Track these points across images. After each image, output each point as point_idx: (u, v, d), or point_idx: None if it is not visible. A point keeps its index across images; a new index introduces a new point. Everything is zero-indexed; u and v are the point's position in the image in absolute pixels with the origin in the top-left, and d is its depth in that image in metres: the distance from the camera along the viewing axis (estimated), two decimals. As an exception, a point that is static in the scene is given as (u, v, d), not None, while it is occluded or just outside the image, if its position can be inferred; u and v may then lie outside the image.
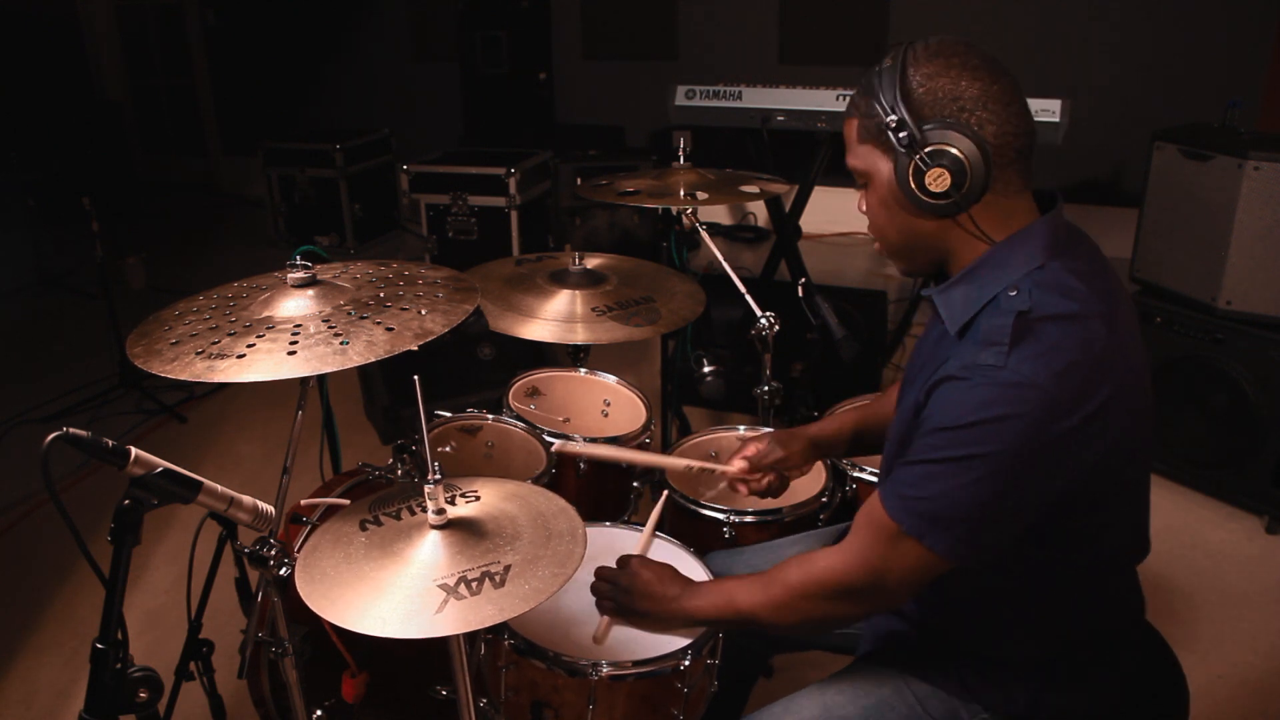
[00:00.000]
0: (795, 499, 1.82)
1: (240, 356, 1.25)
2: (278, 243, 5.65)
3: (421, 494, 1.20)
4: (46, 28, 6.49)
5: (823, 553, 1.26)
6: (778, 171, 2.67)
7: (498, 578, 1.12)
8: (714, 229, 5.65)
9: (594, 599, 1.45)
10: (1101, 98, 4.81)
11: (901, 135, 1.14)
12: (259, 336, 1.30)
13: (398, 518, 1.25)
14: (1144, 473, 1.23)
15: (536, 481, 1.80)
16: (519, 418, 2.02)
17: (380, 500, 1.29)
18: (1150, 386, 1.19)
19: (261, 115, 6.61)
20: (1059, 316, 1.09)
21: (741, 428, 2.08)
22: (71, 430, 1.05)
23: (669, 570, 1.43)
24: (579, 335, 1.98)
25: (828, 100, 3.28)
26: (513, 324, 2.01)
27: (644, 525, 1.67)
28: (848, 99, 1.25)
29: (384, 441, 3.26)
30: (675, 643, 1.40)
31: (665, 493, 1.78)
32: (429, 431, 1.80)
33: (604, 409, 2.22)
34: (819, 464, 1.93)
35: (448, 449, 2.00)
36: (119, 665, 1.09)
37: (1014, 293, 1.12)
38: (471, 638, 1.41)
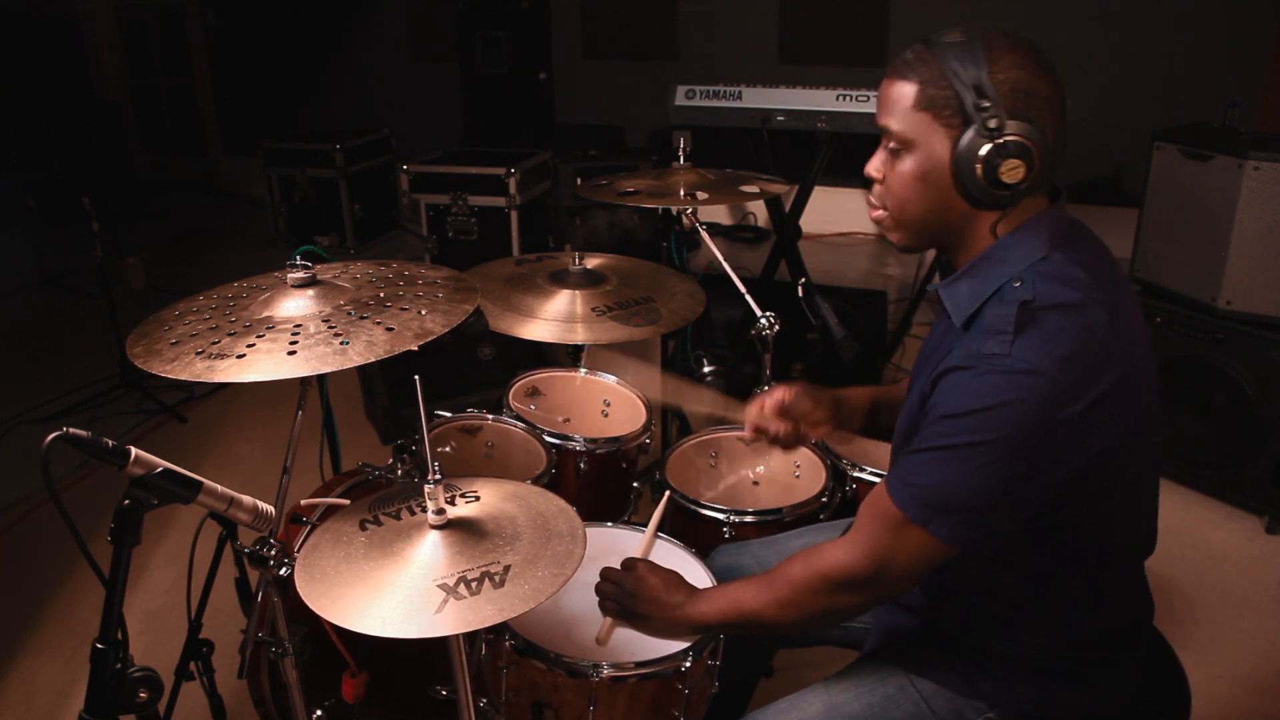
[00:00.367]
0: (795, 499, 1.82)
1: (240, 356, 1.25)
2: (278, 243, 5.65)
3: (421, 494, 1.20)
4: (46, 28, 6.49)
5: (826, 546, 1.26)
6: (778, 171, 2.67)
7: (497, 578, 1.12)
8: (714, 229, 5.65)
9: (596, 600, 1.45)
10: (1101, 98, 4.81)
11: (988, 119, 1.11)
12: (259, 336, 1.30)
13: (397, 518, 1.25)
14: (1152, 464, 1.24)
15: (536, 482, 1.80)
16: (519, 418, 2.02)
17: (380, 500, 1.29)
18: (1156, 379, 1.20)
19: (261, 115, 6.60)
20: (1062, 305, 1.10)
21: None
22: (71, 430, 1.05)
23: (675, 576, 1.43)
24: (579, 335, 1.98)
25: (828, 100, 3.28)
26: (513, 324, 2.01)
27: (645, 526, 1.67)
28: (893, 64, 1.18)
29: (384, 441, 3.26)
30: (677, 644, 1.40)
31: (666, 493, 1.78)
32: (429, 431, 1.80)
33: (604, 409, 2.22)
34: (819, 464, 1.94)
35: (448, 449, 2.00)
36: (119, 665, 1.09)
37: (1018, 283, 1.13)
38: (472, 638, 1.41)
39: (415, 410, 1.27)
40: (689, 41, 5.75)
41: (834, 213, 5.15)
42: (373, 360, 1.25)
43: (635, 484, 2.02)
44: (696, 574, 1.54)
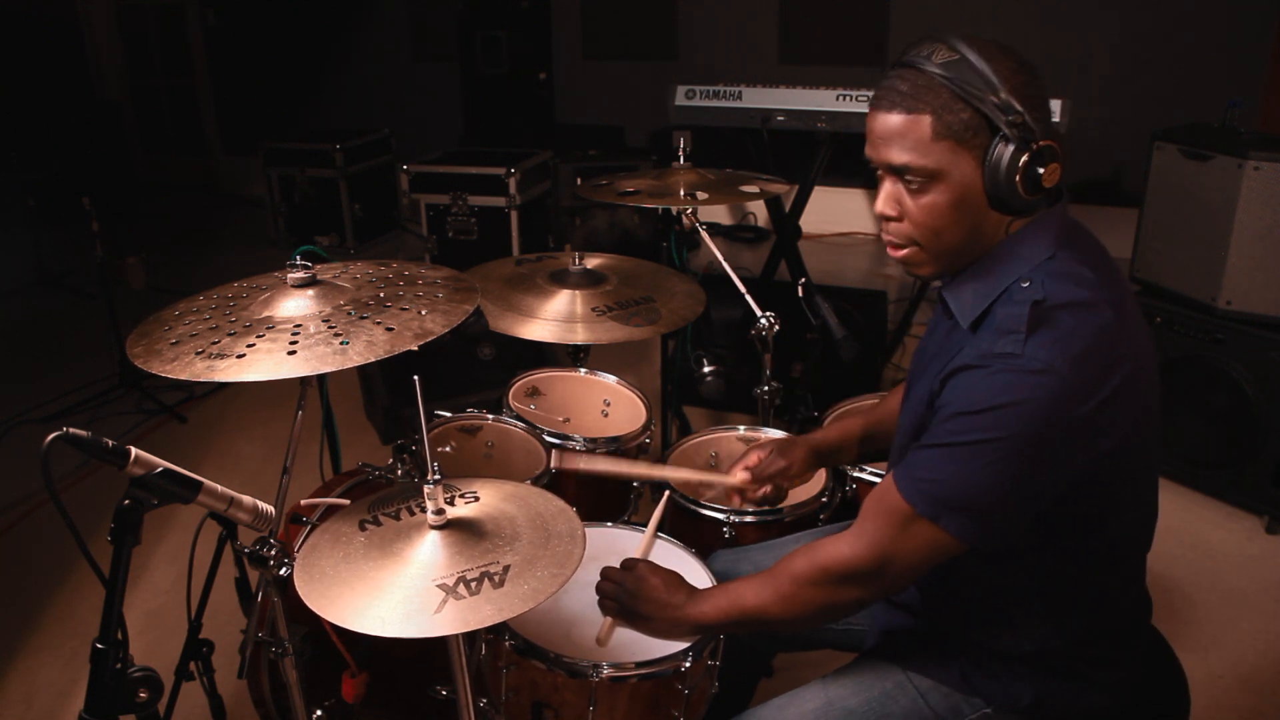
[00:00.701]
0: (795, 499, 1.82)
1: (240, 356, 1.25)
2: (278, 243, 5.65)
3: (421, 494, 1.20)
4: (46, 28, 6.49)
5: (828, 539, 1.26)
6: (778, 171, 2.67)
7: (497, 578, 1.12)
8: (714, 229, 5.65)
9: (596, 600, 1.45)
10: (1101, 98, 4.81)
11: (1019, 129, 1.10)
12: (259, 336, 1.30)
13: (397, 518, 1.25)
14: (1152, 462, 1.24)
15: (536, 482, 1.80)
16: (519, 418, 2.02)
17: (380, 500, 1.30)
18: (1158, 377, 1.20)
19: (261, 115, 6.60)
20: (1073, 304, 1.11)
21: (741, 428, 2.08)
22: (71, 430, 1.05)
23: (675, 577, 1.43)
24: (579, 335, 1.98)
25: (828, 100, 3.28)
26: (513, 324, 2.01)
27: (645, 526, 1.66)
28: (886, 97, 1.15)
29: (384, 441, 3.26)
30: (677, 644, 1.39)
31: (666, 493, 1.78)
32: (429, 431, 1.80)
33: (604, 409, 2.22)
34: (819, 464, 1.94)
35: (448, 449, 2.00)
36: (119, 665, 1.10)
37: (1026, 284, 1.14)
38: (471, 638, 1.41)
39: (415, 410, 1.27)
40: (689, 41, 5.75)
41: (834, 213, 5.15)
42: (373, 360, 1.25)
43: (635, 484, 2.02)
44: (697, 575, 1.54)
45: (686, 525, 1.79)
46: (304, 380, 1.40)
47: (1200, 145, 2.76)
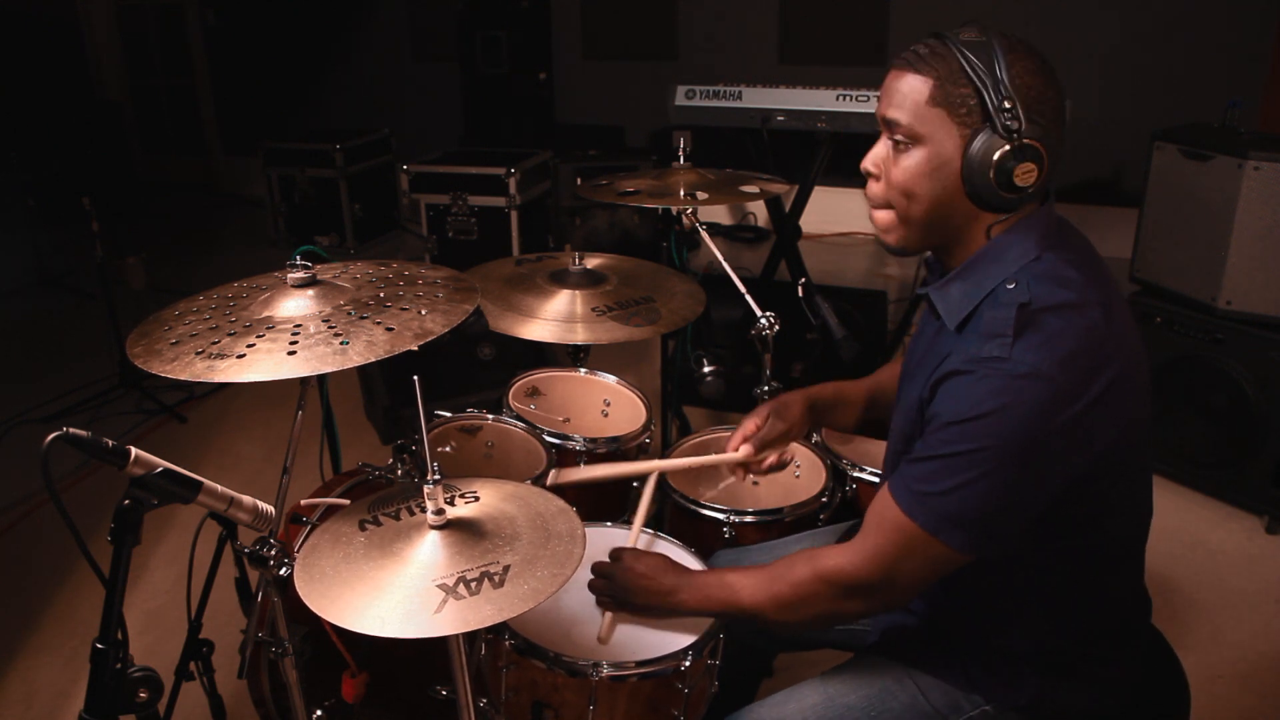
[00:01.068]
0: (795, 499, 1.82)
1: (240, 356, 1.25)
2: (278, 243, 5.65)
3: (421, 494, 1.20)
4: (46, 28, 6.48)
5: (832, 549, 1.26)
6: (778, 171, 2.67)
7: (497, 578, 1.12)
8: (714, 229, 5.65)
9: (595, 599, 1.45)
10: (1101, 98, 4.81)
11: (1008, 120, 1.11)
12: (259, 336, 1.30)
13: (397, 518, 1.25)
14: (1145, 461, 1.24)
15: (536, 482, 1.80)
16: (519, 418, 2.01)
17: (380, 500, 1.29)
18: (1149, 376, 1.20)
19: (261, 115, 6.61)
20: (1059, 306, 1.11)
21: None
22: (71, 430, 1.05)
23: (661, 561, 1.43)
24: (579, 335, 1.98)
25: (828, 100, 3.28)
26: (513, 324, 2.01)
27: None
28: (906, 57, 1.17)
29: (384, 441, 3.26)
30: (677, 643, 1.40)
31: (653, 475, 1.73)
32: (429, 431, 1.80)
33: (604, 409, 2.22)
34: (819, 464, 1.94)
35: (448, 449, 2.00)
36: (119, 665, 1.09)
37: (1012, 285, 1.14)
38: (471, 638, 1.41)
39: (415, 410, 1.27)
40: (689, 41, 5.75)
41: (834, 213, 5.15)
42: (373, 360, 1.25)
43: (635, 483, 2.01)
44: (691, 565, 1.54)
45: (686, 525, 1.79)
46: (304, 380, 1.40)
47: (1200, 145, 2.76)
